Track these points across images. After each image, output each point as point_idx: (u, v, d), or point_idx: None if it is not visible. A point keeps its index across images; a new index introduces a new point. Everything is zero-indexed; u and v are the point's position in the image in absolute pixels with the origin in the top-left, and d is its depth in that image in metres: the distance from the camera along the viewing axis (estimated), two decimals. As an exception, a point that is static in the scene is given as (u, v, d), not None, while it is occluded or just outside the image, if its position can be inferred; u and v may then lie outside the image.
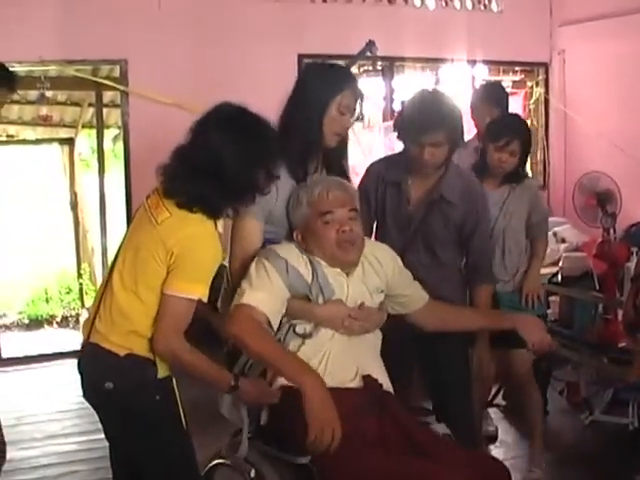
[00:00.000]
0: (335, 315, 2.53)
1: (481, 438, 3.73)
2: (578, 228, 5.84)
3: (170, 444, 2.53)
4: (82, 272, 8.22)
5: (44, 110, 8.28)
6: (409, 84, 6.96)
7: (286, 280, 2.50)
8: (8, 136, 8.97)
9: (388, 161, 3.34)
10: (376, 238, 3.17)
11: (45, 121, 8.53)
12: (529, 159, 4.02)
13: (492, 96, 4.48)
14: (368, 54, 5.31)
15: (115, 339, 2.46)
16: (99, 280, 7.03)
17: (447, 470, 2.22)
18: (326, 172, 2.79)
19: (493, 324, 3.04)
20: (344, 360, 2.55)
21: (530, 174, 4.40)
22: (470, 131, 4.55)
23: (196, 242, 2.42)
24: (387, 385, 2.62)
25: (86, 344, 2.55)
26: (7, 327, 7.91)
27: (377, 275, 2.70)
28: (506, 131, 3.68)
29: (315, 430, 2.18)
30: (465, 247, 3.25)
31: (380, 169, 3.26)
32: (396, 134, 3.15)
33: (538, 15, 7.15)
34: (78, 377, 2.55)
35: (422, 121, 3.00)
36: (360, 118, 6.05)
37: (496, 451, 4.21)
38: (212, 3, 6.25)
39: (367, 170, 3.30)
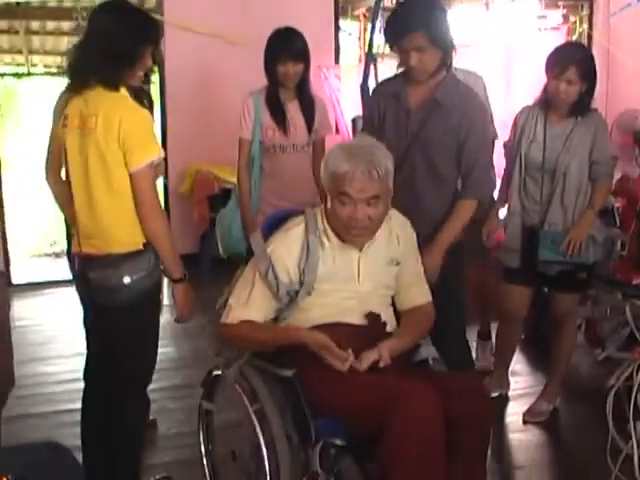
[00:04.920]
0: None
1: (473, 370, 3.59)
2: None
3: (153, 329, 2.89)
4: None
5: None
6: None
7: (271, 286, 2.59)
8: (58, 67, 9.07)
9: (388, 79, 3.29)
10: None
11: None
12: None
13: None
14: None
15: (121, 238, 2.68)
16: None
17: (420, 385, 2.28)
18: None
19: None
20: (354, 306, 2.62)
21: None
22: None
23: (128, 114, 2.62)
24: (392, 326, 2.67)
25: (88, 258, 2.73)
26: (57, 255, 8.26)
27: (394, 246, 2.69)
28: (560, 59, 3.48)
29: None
30: (459, 158, 3.09)
31: (380, 86, 3.29)
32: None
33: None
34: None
35: (398, 24, 2.92)
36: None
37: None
38: None
39: (372, 92, 3.30)
